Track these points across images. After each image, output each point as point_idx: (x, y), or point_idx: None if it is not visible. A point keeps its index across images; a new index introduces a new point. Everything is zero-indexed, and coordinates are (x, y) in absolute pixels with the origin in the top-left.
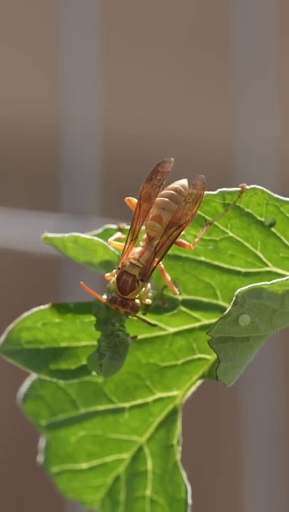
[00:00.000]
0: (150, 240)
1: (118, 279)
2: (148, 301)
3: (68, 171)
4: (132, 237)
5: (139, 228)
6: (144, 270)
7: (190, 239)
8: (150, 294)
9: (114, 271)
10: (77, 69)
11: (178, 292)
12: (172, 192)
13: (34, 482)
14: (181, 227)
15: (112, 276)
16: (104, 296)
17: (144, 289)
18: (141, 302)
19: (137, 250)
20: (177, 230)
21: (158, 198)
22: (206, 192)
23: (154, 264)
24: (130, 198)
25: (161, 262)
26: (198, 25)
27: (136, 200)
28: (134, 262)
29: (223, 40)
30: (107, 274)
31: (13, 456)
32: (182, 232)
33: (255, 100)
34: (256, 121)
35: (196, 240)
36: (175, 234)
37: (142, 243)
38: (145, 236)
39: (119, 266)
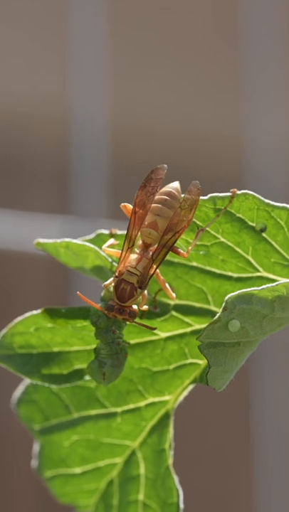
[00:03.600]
0: (146, 246)
1: (116, 287)
2: (145, 307)
3: (77, 174)
4: (129, 244)
5: (136, 235)
6: (141, 278)
7: (181, 243)
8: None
9: (111, 279)
10: (86, 65)
11: (174, 296)
12: (166, 197)
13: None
14: (177, 233)
15: (110, 285)
16: (100, 305)
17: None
18: (138, 308)
19: (133, 258)
20: (174, 237)
21: (153, 205)
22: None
23: (152, 272)
24: (126, 204)
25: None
26: (208, 20)
27: (131, 206)
28: (131, 270)
29: (233, 34)
30: (106, 283)
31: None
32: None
33: (265, 95)
34: (266, 115)
35: (190, 247)
36: (172, 241)
37: (137, 250)
38: (140, 243)
39: (117, 274)
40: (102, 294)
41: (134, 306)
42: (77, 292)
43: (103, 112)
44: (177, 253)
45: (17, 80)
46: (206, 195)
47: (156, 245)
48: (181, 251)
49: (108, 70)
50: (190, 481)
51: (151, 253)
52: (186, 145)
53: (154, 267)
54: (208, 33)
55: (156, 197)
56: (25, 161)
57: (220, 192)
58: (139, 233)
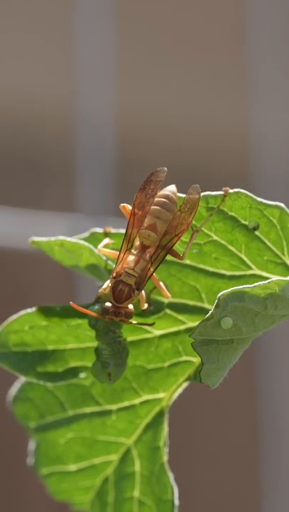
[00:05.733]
0: (144, 248)
1: (114, 288)
2: (146, 305)
3: (83, 172)
4: (127, 246)
5: (134, 237)
6: (139, 279)
7: (176, 243)
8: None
9: (108, 281)
10: (92, 63)
11: (169, 296)
12: (165, 200)
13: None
14: (176, 236)
15: (107, 287)
16: (96, 307)
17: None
18: (139, 307)
19: (131, 259)
20: (173, 240)
21: (152, 207)
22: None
23: (150, 273)
24: (125, 204)
25: None
26: (215, 16)
27: (130, 207)
28: (129, 271)
29: (240, 30)
30: (104, 286)
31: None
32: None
33: (272, 91)
34: (273, 111)
35: (186, 249)
36: (171, 243)
37: (134, 251)
38: (138, 244)
39: (114, 275)
40: (98, 293)
41: (130, 306)
42: (70, 302)
43: (109, 110)
44: (174, 255)
45: (22, 77)
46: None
47: (153, 247)
48: (178, 253)
49: (114, 67)
50: (197, 477)
51: (148, 255)
52: (193, 142)
53: (152, 268)
54: (214, 28)
55: (155, 199)
56: (32, 160)
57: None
58: (137, 235)
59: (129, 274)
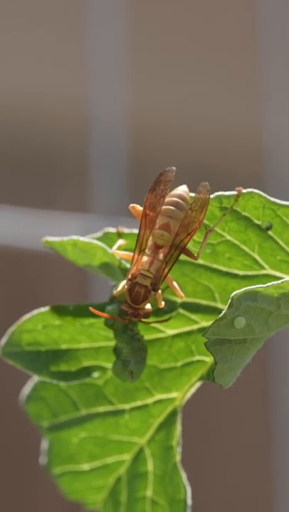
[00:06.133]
0: (158, 248)
1: (130, 290)
2: (162, 303)
3: (97, 172)
4: (141, 247)
5: (147, 238)
6: (154, 280)
7: (189, 243)
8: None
9: (123, 283)
10: (105, 63)
11: (183, 296)
12: (177, 200)
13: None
14: (189, 235)
15: (123, 289)
16: (114, 307)
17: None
18: (156, 306)
19: (145, 260)
20: (186, 239)
21: (164, 207)
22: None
23: (165, 274)
24: (134, 205)
25: None
26: (228, 16)
27: (140, 208)
28: (144, 272)
29: (252, 30)
30: (118, 289)
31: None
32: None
33: (285, 91)
34: (286, 112)
35: (200, 250)
36: (184, 242)
37: (148, 252)
38: (151, 244)
39: (129, 277)
40: (112, 293)
41: (148, 306)
42: (90, 307)
43: (123, 110)
44: (188, 255)
45: (36, 78)
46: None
47: (167, 247)
48: (192, 253)
49: (128, 68)
50: (209, 477)
51: (162, 255)
52: (207, 142)
53: (167, 269)
54: (227, 29)
55: (167, 199)
56: (46, 160)
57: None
58: (150, 235)
59: (145, 275)
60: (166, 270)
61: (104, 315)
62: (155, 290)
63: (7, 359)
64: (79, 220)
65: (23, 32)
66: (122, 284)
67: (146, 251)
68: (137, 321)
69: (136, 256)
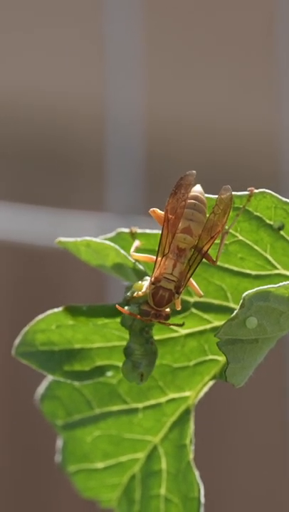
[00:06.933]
0: (180, 251)
1: (154, 294)
2: (180, 306)
3: (113, 171)
4: (164, 252)
5: (170, 242)
6: (178, 283)
7: None
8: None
9: (146, 285)
10: (122, 62)
11: (202, 294)
12: (194, 201)
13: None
14: (212, 238)
15: (144, 294)
16: (134, 308)
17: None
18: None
19: (168, 263)
20: (209, 242)
21: (184, 210)
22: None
23: (188, 276)
24: (154, 209)
25: None
26: (245, 15)
27: (160, 212)
28: (168, 276)
29: (270, 28)
30: (139, 293)
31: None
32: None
33: None
34: None
35: (219, 253)
36: (207, 246)
37: (170, 255)
38: (173, 247)
39: (153, 280)
40: (128, 296)
41: (168, 308)
42: (116, 305)
43: (139, 109)
44: (208, 259)
45: (53, 76)
46: (241, 191)
47: (189, 250)
48: (212, 258)
49: (144, 66)
50: (223, 475)
51: (185, 258)
52: (222, 141)
53: (190, 272)
54: (245, 27)
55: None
56: (62, 159)
57: (256, 188)
58: (173, 239)
59: (168, 279)
60: (190, 273)
61: (128, 312)
62: (178, 293)
63: (21, 359)
64: (95, 219)
65: (41, 31)
66: (145, 286)
67: (169, 254)
68: (157, 322)
69: (159, 259)
